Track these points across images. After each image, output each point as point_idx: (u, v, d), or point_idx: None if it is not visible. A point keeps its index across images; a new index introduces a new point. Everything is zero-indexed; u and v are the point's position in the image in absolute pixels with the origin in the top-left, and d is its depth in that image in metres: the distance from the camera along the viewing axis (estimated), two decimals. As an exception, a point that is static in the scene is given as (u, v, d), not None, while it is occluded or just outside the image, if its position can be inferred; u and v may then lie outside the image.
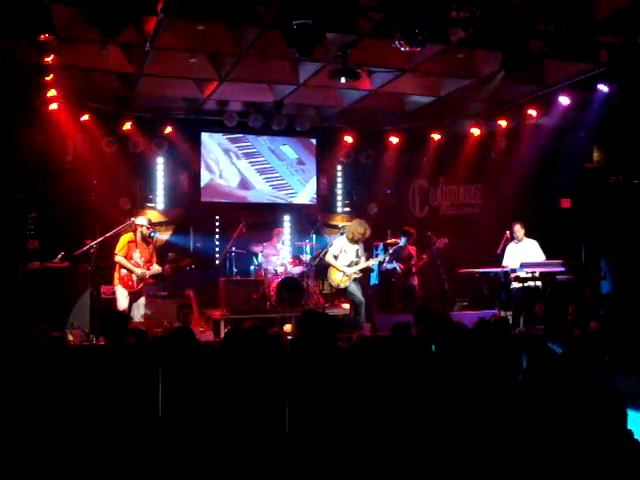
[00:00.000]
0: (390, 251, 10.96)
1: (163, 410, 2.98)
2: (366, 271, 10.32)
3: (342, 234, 10.29)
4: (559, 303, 9.44)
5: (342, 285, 9.63)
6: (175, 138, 11.74)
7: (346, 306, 11.00)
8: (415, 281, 10.75)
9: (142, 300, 8.96)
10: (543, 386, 2.51)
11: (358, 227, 9.70)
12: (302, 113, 12.10)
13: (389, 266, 10.82)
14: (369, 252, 12.06)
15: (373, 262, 10.04)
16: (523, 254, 9.78)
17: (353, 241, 9.66)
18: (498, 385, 3.21)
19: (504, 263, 9.86)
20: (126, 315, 6.98)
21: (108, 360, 3.79)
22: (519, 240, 9.90)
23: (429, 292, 10.99)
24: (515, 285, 9.71)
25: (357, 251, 9.75)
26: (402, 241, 10.86)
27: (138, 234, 8.87)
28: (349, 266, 9.65)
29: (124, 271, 8.73)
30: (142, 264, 8.90)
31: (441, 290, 10.44)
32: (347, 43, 8.35)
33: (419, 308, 5.80)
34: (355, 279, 9.74)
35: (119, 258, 8.72)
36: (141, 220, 9.04)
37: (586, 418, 2.35)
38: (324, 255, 10.22)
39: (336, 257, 9.64)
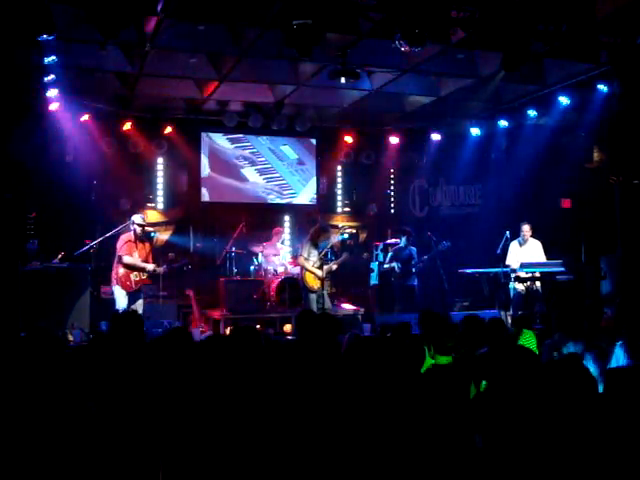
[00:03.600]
0: (390, 252, 10.99)
1: (162, 410, 2.98)
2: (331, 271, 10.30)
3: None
4: (559, 303, 9.46)
5: (316, 287, 9.65)
6: (175, 138, 11.74)
7: (346, 306, 11.01)
8: (415, 281, 10.76)
9: (140, 301, 8.97)
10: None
11: (323, 232, 9.88)
12: (302, 113, 12.10)
13: (388, 266, 10.84)
14: (369, 252, 12.13)
15: (336, 265, 10.05)
16: (527, 254, 9.82)
17: (316, 245, 9.75)
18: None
19: (508, 262, 9.89)
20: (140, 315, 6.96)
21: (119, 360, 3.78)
22: (525, 240, 9.94)
23: (429, 292, 11.00)
24: (515, 285, 9.73)
25: (319, 254, 9.86)
26: (402, 241, 10.88)
27: (135, 233, 8.87)
28: (319, 269, 9.73)
29: (122, 271, 8.73)
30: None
31: (441, 290, 10.45)
32: (347, 43, 8.35)
33: (423, 311, 5.79)
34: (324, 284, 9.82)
35: (127, 258, 8.71)
36: (136, 218, 9.04)
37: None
38: (324, 256, 10.24)
39: (306, 259, 9.70)
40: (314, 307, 9.54)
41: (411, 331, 5.15)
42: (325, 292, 9.77)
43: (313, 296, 9.60)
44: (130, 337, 4.18)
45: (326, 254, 10.27)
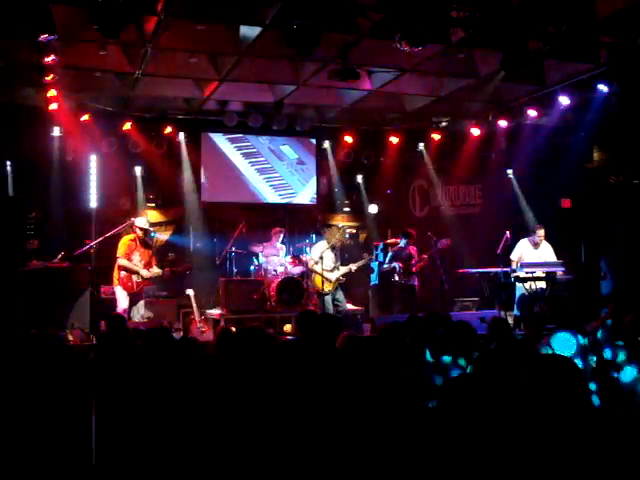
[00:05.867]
0: (390, 251, 10.99)
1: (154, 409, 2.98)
2: (349, 273, 10.36)
3: (320, 239, 10.33)
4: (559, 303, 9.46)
5: (326, 290, 9.69)
6: (175, 138, 11.74)
7: (346, 306, 11.00)
8: (415, 281, 10.76)
9: (142, 302, 8.98)
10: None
11: (341, 236, 9.88)
12: (302, 113, 12.10)
13: (388, 266, 10.83)
14: (369, 252, 12.11)
15: (354, 267, 10.11)
16: (541, 257, 9.85)
17: (332, 247, 9.77)
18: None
19: (513, 257, 9.90)
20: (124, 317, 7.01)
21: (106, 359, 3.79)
22: (538, 243, 9.95)
23: (429, 292, 11.00)
24: (521, 286, 9.74)
25: (335, 256, 9.88)
26: (402, 242, 10.88)
27: (138, 236, 8.89)
28: (331, 271, 9.75)
29: (124, 272, 8.75)
30: (141, 266, 8.91)
31: (441, 290, 10.45)
32: (347, 43, 8.34)
33: (413, 315, 5.80)
34: (338, 286, 9.85)
35: (122, 261, 8.73)
36: (140, 222, 9.04)
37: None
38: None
39: (316, 263, 9.73)
40: (330, 309, 9.61)
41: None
42: (334, 292, 9.83)
43: (327, 298, 9.68)
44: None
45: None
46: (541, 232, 9.97)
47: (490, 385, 2.48)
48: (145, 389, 3.23)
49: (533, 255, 9.90)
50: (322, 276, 9.65)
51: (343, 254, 10.79)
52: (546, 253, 9.97)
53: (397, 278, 10.65)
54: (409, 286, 10.69)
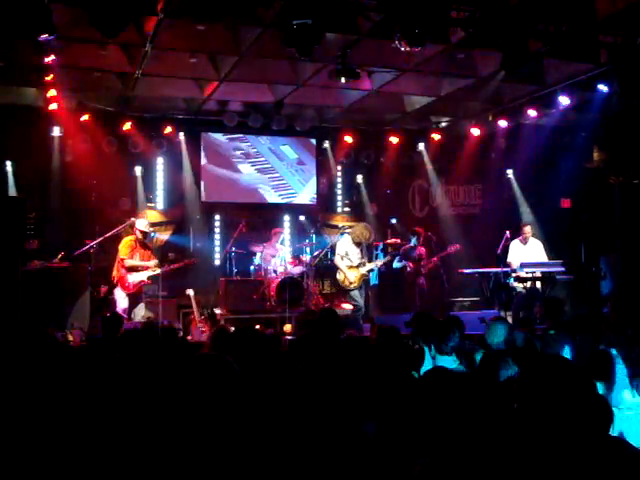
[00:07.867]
0: (401, 251, 10.97)
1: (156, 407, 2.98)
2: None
3: (343, 235, 10.29)
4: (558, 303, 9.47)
5: (352, 286, 9.59)
6: (175, 138, 11.74)
7: (346, 306, 11.00)
8: (423, 281, 10.77)
9: (142, 303, 8.99)
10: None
11: (364, 231, 9.77)
12: (302, 113, 12.10)
13: (398, 264, 10.82)
14: (369, 252, 12.11)
15: (380, 263, 10.10)
16: (530, 254, 9.87)
17: (357, 243, 9.72)
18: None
19: (510, 260, 9.93)
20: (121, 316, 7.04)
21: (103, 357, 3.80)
22: (526, 240, 10.00)
23: (429, 292, 11.00)
24: (516, 285, 9.76)
25: (361, 251, 9.83)
26: (412, 241, 10.89)
27: (137, 237, 8.91)
28: (357, 267, 9.69)
29: (122, 272, 8.77)
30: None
31: (441, 290, 10.45)
32: (347, 43, 8.35)
33: (418, 313, 5.80)
34: (364, 281, 9.83)
35: (128, 262, 8.77)
36: (140, 224, 9.05)
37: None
38: (324, 256, 10.27)
39: (342, 258, 9.67)
40: (360, 302, 9.56)
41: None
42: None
43: (355, 293, 9.59)
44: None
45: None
46: (527, 229, 10.13)
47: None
48: (135, 390, 3.23)
49: (522, 252, 9.97)
50: (342, 271, 9.58)
51: (370, 251, 10.77)
52: (535, 250, 10.05)
53: (407, 277, 10.66)
54: (418, 286, 10.69)
